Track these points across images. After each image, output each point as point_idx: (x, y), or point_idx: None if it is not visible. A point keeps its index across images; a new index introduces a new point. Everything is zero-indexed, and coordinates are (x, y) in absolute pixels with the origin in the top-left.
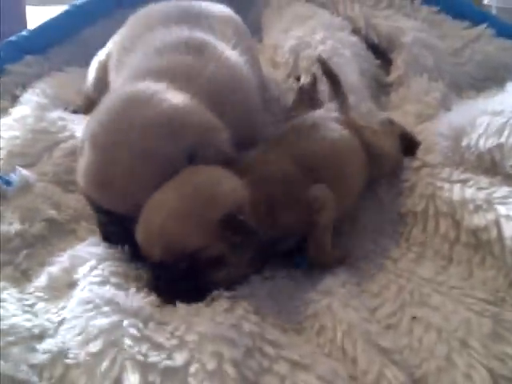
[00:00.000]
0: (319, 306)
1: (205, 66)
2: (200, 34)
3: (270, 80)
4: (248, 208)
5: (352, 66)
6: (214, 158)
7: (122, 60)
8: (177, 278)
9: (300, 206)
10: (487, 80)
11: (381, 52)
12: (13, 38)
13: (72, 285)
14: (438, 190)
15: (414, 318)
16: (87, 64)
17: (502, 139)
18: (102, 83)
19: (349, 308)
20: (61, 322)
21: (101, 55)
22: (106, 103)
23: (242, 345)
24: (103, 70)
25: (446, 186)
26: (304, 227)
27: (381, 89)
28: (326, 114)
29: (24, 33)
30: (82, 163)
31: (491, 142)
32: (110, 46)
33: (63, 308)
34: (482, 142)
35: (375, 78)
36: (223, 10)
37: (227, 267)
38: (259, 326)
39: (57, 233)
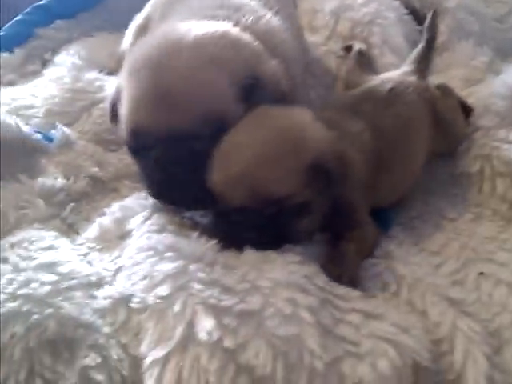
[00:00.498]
0: (379, 268)
1: (243, 16)
2: None
3: (309, 43)
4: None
5: (396, 29)
6: (274, 77)
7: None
8: (260, 224)
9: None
10: None
11: (422, 18)
12: (42, 1)
13: (123, 236)
14: (494, 151)
15: (480, 273)
16: (117, 30)
17: None
18: None
19: (410, 265)
20: (118, 270)
21: (138, 19)
22: (146, 39)
23: (316, 295)
24: (141, 34)
25: (504, 146)
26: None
27: None
28: (404, 79)
29: None
30: (127, 99)
31: None
32: (148, 9)
33: (118, 257)
34: None
35: (417, 45)
36: None
37: (311, 215)
38: (328, 283)
39: (100, 190)
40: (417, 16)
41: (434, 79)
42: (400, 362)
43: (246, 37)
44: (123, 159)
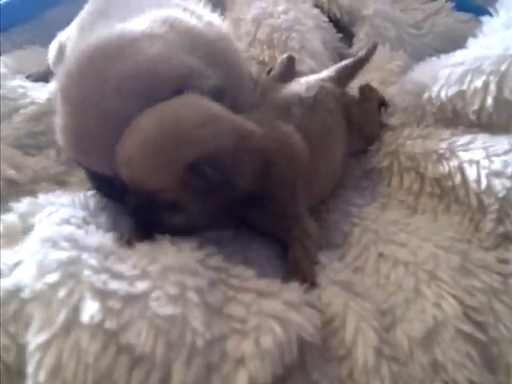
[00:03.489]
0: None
1: (185, 21)
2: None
3: None
4: (231, 157)
5: (314, 35)
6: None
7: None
8: (136, 207)
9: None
10: (448, 51)
11: (342, 27)
12: None
13: (27, 230)
14: (400, 147)
15: (380, 254)
16: (49, 43)
17: (464, 86)
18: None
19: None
20: (16, 264)
21: (62, 37)
22: (76, 53)
23: (206, 276)
24: (63, 52)
25: (408, 142)
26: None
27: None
28: (323, 85)
29: None
30: (58, 120)
31: (452, 91)
32: (70, 29)
33: (18, 251)
34: (443, 93)
35: (337, 51)
36: None
37: (184, 214)
38: (224, 263)
39: (15, 192)
40: (336, 24)
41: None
42: (284, 337)
43: (179, 56)
44: (42, 162)
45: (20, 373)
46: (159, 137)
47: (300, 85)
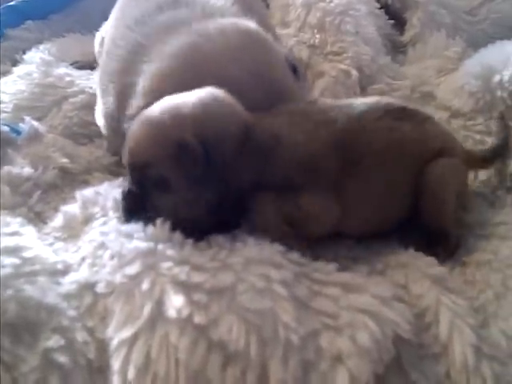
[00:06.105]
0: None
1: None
2: None
3: (281, 35)
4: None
5: (368, 20)
6: None
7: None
8: (133, 192)
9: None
10: (504, 38)
11: (392, 13)
12: (13, 2)
13: (87, 220)
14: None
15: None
16: (89, 31)
17: None
18: None
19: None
20: (83, 258)
21: (103, 30)
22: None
23: (290, 269)
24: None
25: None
26: None
27: (395, 48)
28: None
29: None
30: None
31: None
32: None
33: (83, 244)
34: None
35: (389, 38)
36: None
37: (173, 196)
38: (304, 257)
39: (69, 182)
40: (388, 10)
41: (406, 70)
42: (380, 334)
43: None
44: (94, 152)
45: (101, 370)
46: (158, 113)
47: None
